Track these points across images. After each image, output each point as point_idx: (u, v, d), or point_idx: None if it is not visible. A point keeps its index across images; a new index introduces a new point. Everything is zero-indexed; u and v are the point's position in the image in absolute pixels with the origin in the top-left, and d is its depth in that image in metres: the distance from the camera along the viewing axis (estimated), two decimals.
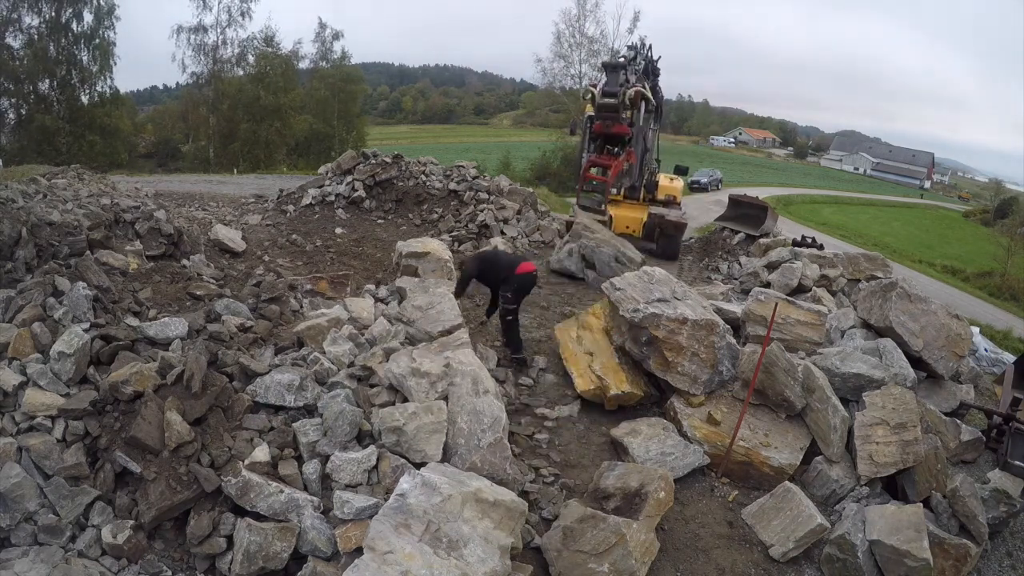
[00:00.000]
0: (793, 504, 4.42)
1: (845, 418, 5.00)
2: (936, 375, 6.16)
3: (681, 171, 14.40)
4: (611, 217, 11.59)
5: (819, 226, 28.44)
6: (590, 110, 11.13)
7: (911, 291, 6.33)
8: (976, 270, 25.99)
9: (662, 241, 12.07)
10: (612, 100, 10.14)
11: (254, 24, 48.98)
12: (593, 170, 11.15)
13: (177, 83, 43.08)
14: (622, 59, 11.43)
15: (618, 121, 10.45)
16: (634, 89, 10.30)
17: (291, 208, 12.70)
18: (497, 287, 6.51)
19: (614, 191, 12.00)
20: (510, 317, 6.30)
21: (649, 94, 10.85)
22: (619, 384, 5.50)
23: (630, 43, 14.05)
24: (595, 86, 10.82)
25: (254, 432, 4.25)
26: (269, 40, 34.61)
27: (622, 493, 4.20)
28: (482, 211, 12.15)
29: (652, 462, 4.66)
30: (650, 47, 12.75)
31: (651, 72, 12.45)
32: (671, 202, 12.68)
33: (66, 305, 4.72)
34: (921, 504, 4.51)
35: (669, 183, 13.09)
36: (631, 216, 12.10)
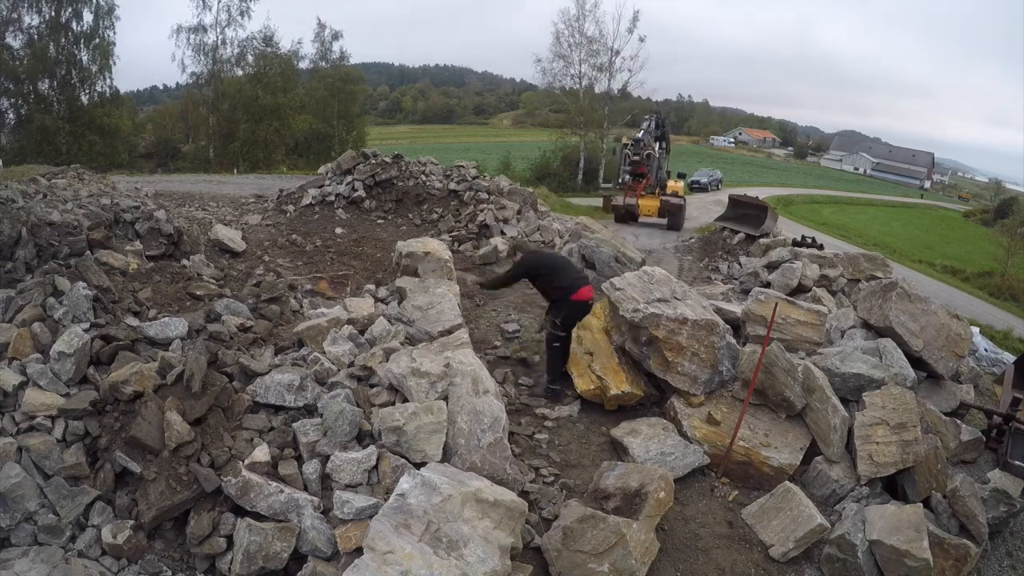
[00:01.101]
0: (793, 504, 4.42)
1: (845, 418, 5.00)
2: (936, 375, 6.16)
3: (681, 175, 22.44)
4: (638, 204, 18.90)
5: (819, 226, 28.42)
6: (627, 140, 19.70)
7: (911, 291, 6.32)
8: (976, 270, 25.97)
9: (670, 218, 18.97)
10: (637, 159, 18.61)
11: (253, 24, 49.09)
12: (628, 197, 19.36)
13: (177, 83, 43.13)
14: (644, 127, 19.94)
15: (639, 166, 18.73)
16: (647, 152, 18.71)
17: (291, 208, 12.69)
18: (548, 293, 5.87)
19: (642, 192, 19.52)
20: (557, 344, 5.64)
21: (655, 151, 19.25)
22: (619, 384, 5.49)
23: (649, 114, 21.95)
24: (629, 141, 19.25)
25: (254, 432, 4.25)
26: (268, 40, 34.64)
27: (622, 493, 4.20)
28: (482, 211, 12.15)
29: (652, 462, 4.66)
30: (662, 113, 21.88)
31: (661, 125, 20.78)
32: (675, 195, 19.78)
33: (66, 305, 4.72)
34: (921, 504, 4.51)
35: (673, 183, 20.95)
36: (650, 204, 19.19)
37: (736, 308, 6.70)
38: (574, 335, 6.14)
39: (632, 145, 18.65)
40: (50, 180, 10.76)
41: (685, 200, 19.47)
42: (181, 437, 3.92)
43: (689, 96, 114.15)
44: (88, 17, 28.05)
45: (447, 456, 4.13)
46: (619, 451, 5.05)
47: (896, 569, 4.10)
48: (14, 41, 26.93)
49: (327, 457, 4.06)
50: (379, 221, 12.39)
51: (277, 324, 5.91)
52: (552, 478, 4.71)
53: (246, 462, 3.92)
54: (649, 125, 19.75)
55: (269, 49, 34.72)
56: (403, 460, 4.02)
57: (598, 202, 27.01)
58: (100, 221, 6.61)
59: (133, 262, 6.20)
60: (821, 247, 11.70)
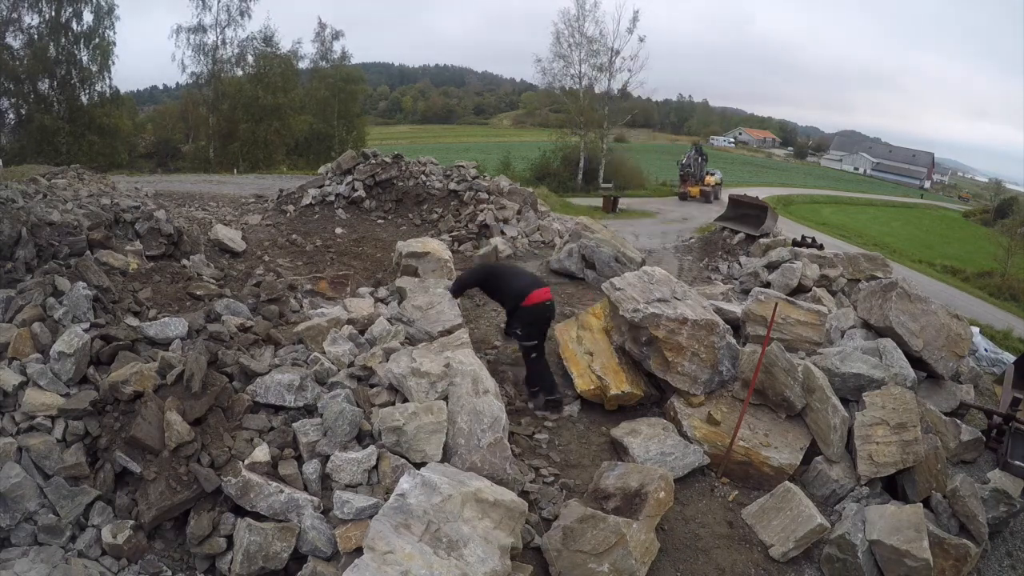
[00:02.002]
0: (793, 504, 4.42)
1: (845, 418, 5.00)
2: (936, 375, 6.16)
3: (711, 174, 32.93)
4: (689, 191, 30.33)
5: (819, 226, 28.47)
6: (682, 158, 32.32)
7: (911, 291, 6.32)
8: (976, 270, 25.99)
9: (704, 197, 29.66)
10: (683, 174, 31.54)
11: (253, 24, 49.01)
12: (683, 188, 31.26)
13: (177, 83, 43.13)
14: (688, 153, 31.80)
15: (685, 176, 31.60)
16: (689, 170, 31.31)
17: (291, 208, 12.69)
18: (504, 305, 5.83)
19: (689, 185, 31.31)
20: (534, 355, 5.41)
21: (693, 167, 31.26)
22: (619, 384, 5.49)
23: (691, 146, 34.22)
24: (682, 161, 31.93)
25: (254, 432, 4.25)
26: (268, 40, 34.63)
27: (622, 493, 4.20)
28: (482, 211, 12.15)
29: (652, 462, 4.66)
30: (700, 145, 35.04)
31: (700, 151, 32.17)
32: (707, 185, 30.89)
33: (66, 305, 4.72)
34: (921, 504, 4.51)
35: (708, 178, 31.70)
36: (695, 190, 30.32)
37: (736, 308, 6.70)
38: (573, 335, 6.13)
39: (681, 165, 31.89)
40: (50, 180, 10.76)
41: (713, 185, 31.14)
42: (181, 437, 3.92)
43: (690, 96, 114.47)
44: (88, 17, 28.09)
45: (447, 456, 4.13)
46: (619, 451, 5.05)
47: (896, 569, 4.11)
48: (14, 41, 26.94)
49: (327, 457, 4.05)
50: (379, 221, 12.39)
51: (277, 324, 5.90)
52: (552, 478, 4.71)
53: (246, 462, 3.92)
54: (691, 153, 31.67)
55: (269, 49, 34.74)
56: (403, 460, 4.02)
57: (598, 202, 27.09)
58: (100, 221, 6.61)
59: (133, 262, 6.20)
60: (821, 247, 11.71)
